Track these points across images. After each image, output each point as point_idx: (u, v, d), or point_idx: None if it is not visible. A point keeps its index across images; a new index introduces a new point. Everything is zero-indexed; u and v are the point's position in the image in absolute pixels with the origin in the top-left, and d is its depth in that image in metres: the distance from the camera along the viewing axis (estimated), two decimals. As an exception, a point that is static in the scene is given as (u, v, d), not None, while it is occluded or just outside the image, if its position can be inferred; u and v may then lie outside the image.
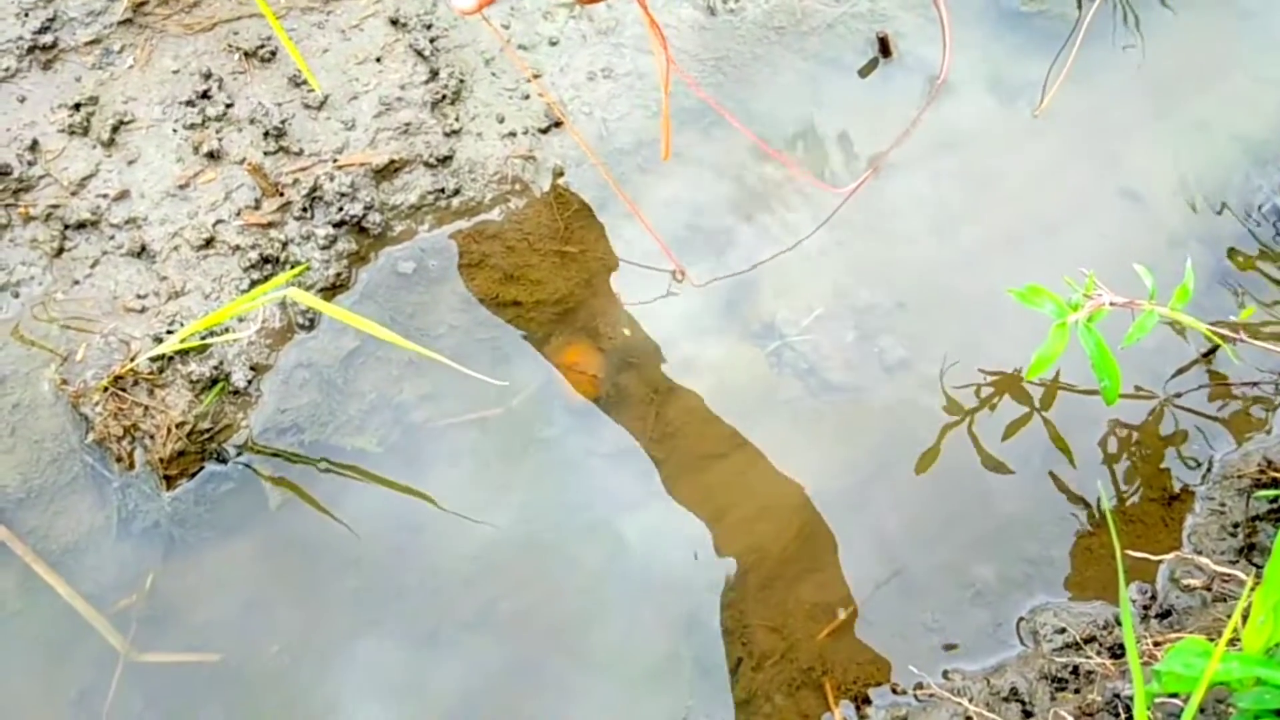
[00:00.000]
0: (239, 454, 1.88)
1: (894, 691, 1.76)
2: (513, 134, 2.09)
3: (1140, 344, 1.78)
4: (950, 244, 2.10)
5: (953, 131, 2.19)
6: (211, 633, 1.79)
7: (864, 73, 2.23)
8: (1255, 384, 1.97)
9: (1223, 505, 1.86)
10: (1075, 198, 2.14)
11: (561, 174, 2.09)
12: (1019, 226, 2.11)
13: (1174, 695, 1.45)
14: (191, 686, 1.76)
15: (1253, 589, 1.22)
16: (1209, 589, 1.73)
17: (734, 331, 2.03)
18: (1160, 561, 1.79)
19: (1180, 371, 1.99)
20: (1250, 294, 2.03)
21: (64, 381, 1.85)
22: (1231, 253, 2.08)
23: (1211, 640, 1.50)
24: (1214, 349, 1.97)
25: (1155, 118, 2.21)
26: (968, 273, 2.07)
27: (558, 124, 2.11)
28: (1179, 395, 1.98)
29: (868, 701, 1.75)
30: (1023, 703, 1.69)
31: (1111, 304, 1.77)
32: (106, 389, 1.83)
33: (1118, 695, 1.58)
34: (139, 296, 1.91)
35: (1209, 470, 1.91)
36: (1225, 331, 1.86)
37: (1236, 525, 1.82)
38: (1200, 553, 1.79)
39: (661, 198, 2.11)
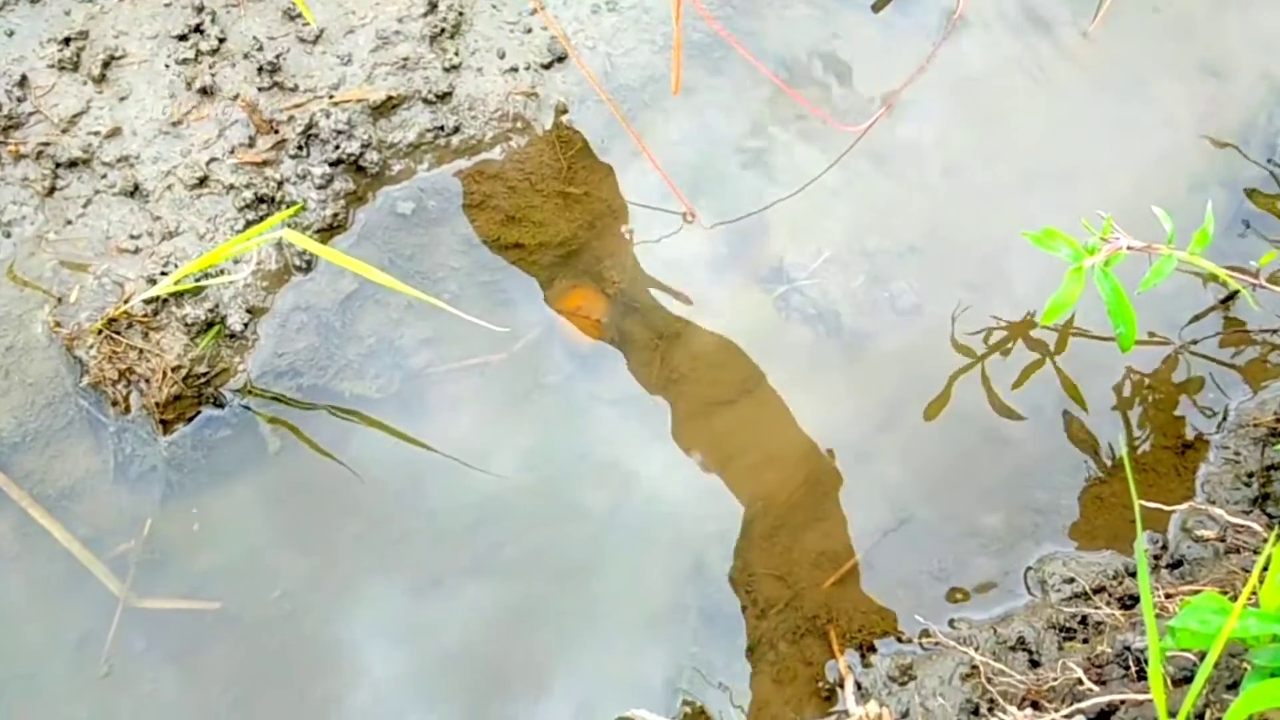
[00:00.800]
0: (236, 398, 1.85)
1: (899, 640, 1.75)
2: (514, 69, 2.03)
3: (1157, 289, 1.74)
4: (964, 185, 2.05)
5: (969, 68, 2.13)
6: (211, 578, 1.78)
7: (877, 6, 2.17)
8: (1274, 330, 1.93)
9: (1238, 454, 1.83)
10: (1093, 138, 2.08)
11: (564, 111, 2.04)
12: (1035, 168, 2.06)
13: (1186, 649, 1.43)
14: (192, 630, 1.75)
15: (1272, 543, 1.20)
16: (1222, 540, 1.70)
17: (741, 275, 1.99)
18: (1173, 511, 1.76)
19: (1197, 318, 1.95)
20: (1271, 239, 1.98)
21: (57, 324, 1.82)
22: (1252, 196, 2.03)
23: (1225, 593, 1.48)
24: (1233, 295, 1.93)
25: (1179, 57, 2.14)
26: (982, 215, 2.02)
27: (561, 59, 2.05)
28: (1195, 342, 1.94)
29: (873, 650, 1.74)
30: (1030, 652, 1.67)
31: (1129, 248, 1.72)
32: (100, 332, 1.80)
33: (1128, 647, 1.56)
34: (132, 237, 1.87)
35: (1224, 418, 1.88)
36: (1245, 277, 1.81)
37: (1251, 475, 1.80)
38: (1214, 502, 1.77)
39: (668, 136, 2.06)
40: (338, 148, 1.92)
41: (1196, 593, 1.52)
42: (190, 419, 1.83)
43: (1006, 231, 1.93)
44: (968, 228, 2.01)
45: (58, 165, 1.89)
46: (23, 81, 1.91)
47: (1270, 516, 1.73)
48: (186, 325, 1.82)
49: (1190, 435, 1.87)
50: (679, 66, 1.83)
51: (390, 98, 1.96)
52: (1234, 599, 1.28)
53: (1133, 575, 1.74)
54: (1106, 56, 2.14)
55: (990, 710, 1.57)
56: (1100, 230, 1.73)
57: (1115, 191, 2.00)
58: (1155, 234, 1.74)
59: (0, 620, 1.72)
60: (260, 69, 1.94)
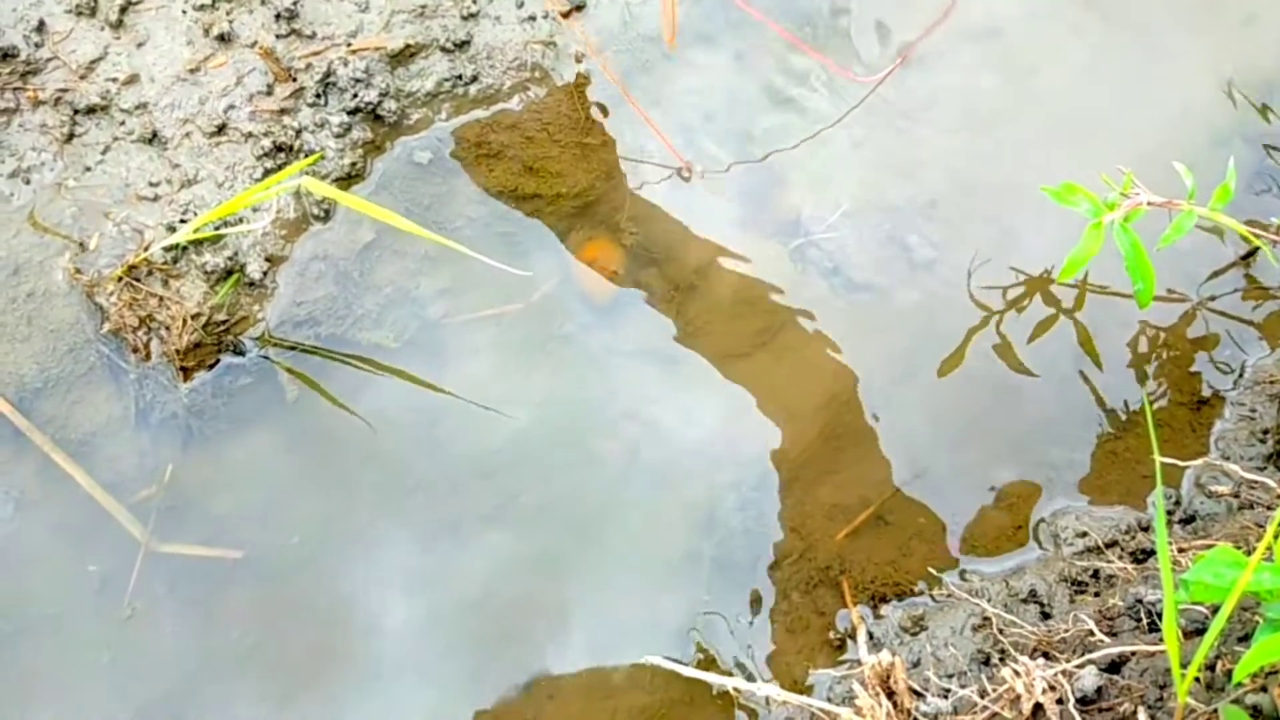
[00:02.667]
0: (255, 346, 1.86)
1: (911, 591, 1.76)
2: (532, 18, 2.02)
3: (1176, 245, 1.73)
4: (984, 139, 2.03)
5: (989, 19, 2.10)
6: (231, 524, 1.80)
7: (899, -43, 2.14)
8: (1293, 288, 1.93)
9: (1253, 411, 1.83)
10: (1116, 93, 2.06)
11: (582, 61, 2.03)
12: (1056, 121, 2.04)
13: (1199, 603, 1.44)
14: (213, 575, 1.77)
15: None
16: (1236, 496, 1.71)
17: (758, 228, 1.98)
18: (1187, 467, 1.77)
19: (1216, 274, 1.95)
20: (1293, 195, 1.98)
21: (78, 271, 1.83)
22: (1274, 152, 2.01)
23: (1238, 548, 1.49)
24: (1253, 251, 1.92)
25: (1204, 9, 2.11)
26: (1001, 170, 2.01)
27: (579, 8, 2.03)
28: (1213, 298, 1.93)
29: (885, 601, 1.76)
30: (1041, 604, 1.69)
31: (1149, 204, 1.71)
32: (120, 279, 1.81)
33: (1139, 600, 1.57)
34: (151, 184, 1.87)
35: (1240, 375, 1.88)
36: (1265, 233, 1.80)
37: (1266, 431, 1.80)
38: (1228, 458, 1.77)
39: (686, 87, 2.04)
40: (356, 96, 1.92)
41: (1209, 547, 1.53)
42: (210, 366, 1.85)
43: (1027, 185, 1.91)
44: (988, 181, 2.00)
45: (76, 112, 1.89)
46: (40, 27, 1.90)
47: (1285, 473, 1.74)
48: (206, 273, 1.83)
49: (1206, 392, 1.87)
50: (673, 13, 1.81)
51: (408, 46, 1.95)
52: (1247, 554, 1.29)
53: (1144, 530, 1.74)
54: (1130, 6, 2.11)
55: (1001, 660, 1.58)
56: (1120, 185, 1.72)
57: (1137, 145, 1.99)
58: (1176, 189, 1.73)
59: (25, 563, 1.74)
60: (278, 15, 1.93)
